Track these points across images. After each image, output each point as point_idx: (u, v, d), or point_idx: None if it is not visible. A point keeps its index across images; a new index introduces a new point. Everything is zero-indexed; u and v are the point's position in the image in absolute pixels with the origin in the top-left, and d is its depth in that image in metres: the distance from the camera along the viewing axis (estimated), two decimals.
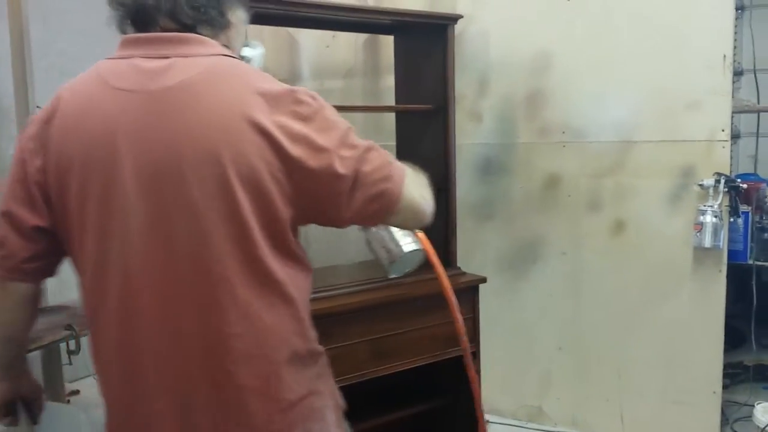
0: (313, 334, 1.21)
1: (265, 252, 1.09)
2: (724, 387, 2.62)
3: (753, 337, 2.75)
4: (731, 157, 2.59)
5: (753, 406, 2.54)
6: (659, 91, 2.58)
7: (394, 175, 1.12)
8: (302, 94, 1.10)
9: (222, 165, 1.04)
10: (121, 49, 1.14)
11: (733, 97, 2.52)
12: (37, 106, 3.17)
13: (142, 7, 1.12)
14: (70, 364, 2.79)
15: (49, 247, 1.19)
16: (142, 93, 1.08)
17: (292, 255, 1.14)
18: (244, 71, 1.12)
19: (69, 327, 2.42)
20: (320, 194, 1.10)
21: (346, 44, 3.29)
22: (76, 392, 3.53)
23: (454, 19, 2.59)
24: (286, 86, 1.10)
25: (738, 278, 2.72)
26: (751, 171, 3.52)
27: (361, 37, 3.26)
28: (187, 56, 1.10)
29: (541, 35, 2.81)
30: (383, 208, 1.13)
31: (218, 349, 1.09)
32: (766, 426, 2.38)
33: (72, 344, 2.45)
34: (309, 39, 3.39)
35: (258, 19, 2.58)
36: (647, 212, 2.65)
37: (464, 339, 1.47)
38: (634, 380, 2.74)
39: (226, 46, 1.18)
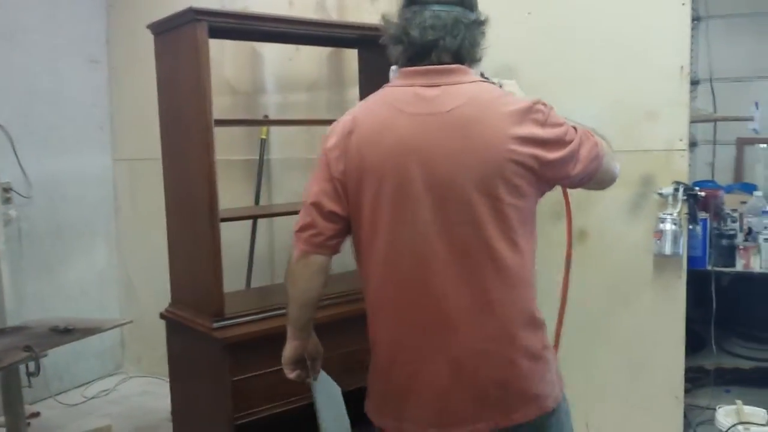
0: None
1: (519, 234, 1.41)
2: (686, 391, 2.66)
3: (713, 341, 2.80)
4: (689, 165, 2.64)
5: (714, 409, 2.59)
6: (619, 102, 2.62)
7: (600, 154, 1.49)
8: (538, 104, 1.42)
9: (489, 171, 1.36)
10: (403, 79, 1.46)
11: (689, 106, 2.58)
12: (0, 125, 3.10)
13: (429, 43, 1.42)
14: (30, 386, 2.71)
15: (343, 230, 1.52)
16: (425, 116, 1.40)
17: (532, 236, 1.47)
18: (497, 94, 1.45)
19: (28, 348, 2.36)
20: (555, 177, 1.45)
21: (309, 57, 3.29)
22: (36, 414, 3.44)
23: None
24: (527, 100, 1.42)
25: (697, 284, 2.76)
26: (709, 178, 3.61)
27: (325, 50, 3.26)
28: (454, 84, 1.42)
29: (503, 49, 2.82)
30: (590, 178, 1.50)
31: (484, 314, 1.41)
32: (728, 429, 2.43)
33: (32, 366, 2.38)
34: (272, 52, 3.38)
35: (221, 33, 2.58)
36: (609, 221, 2.69)
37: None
38: (599, 387, 2.77)
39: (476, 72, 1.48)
